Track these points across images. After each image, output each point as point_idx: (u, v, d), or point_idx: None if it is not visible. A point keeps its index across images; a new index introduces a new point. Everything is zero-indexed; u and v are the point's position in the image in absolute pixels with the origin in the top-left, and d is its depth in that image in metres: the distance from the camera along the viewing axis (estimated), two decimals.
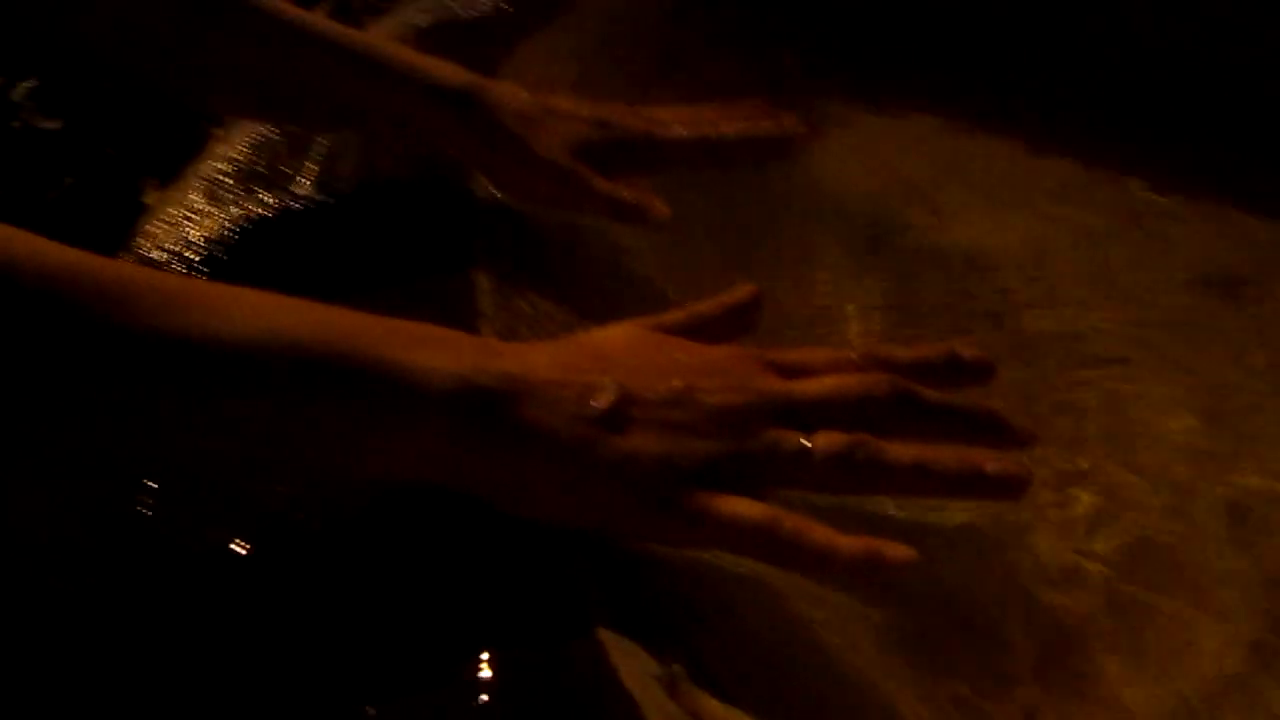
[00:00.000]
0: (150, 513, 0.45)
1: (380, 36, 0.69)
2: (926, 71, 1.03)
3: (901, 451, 0.43)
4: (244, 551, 0.43)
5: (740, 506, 0.40)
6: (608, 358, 0.44)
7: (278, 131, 0.72)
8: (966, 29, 1.06)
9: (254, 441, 0.40)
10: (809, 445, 0.42)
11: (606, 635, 0.37)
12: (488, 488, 0.41)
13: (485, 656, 0.37)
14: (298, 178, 0.69)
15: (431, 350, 0.40)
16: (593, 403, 0.40)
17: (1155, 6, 0.98)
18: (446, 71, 0.64)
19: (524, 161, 0.63)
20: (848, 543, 0.39)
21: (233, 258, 0.63)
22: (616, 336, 0.46)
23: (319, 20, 0.63)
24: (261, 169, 0.70)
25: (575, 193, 0.63)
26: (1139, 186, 0.93)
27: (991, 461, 0.44)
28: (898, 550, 0.39)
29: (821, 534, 0.40)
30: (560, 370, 0.42)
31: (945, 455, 0.44)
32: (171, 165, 1.22)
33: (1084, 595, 0.52)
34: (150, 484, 0.45)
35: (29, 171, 1.06)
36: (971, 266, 0.85)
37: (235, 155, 0.70)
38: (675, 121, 0.70)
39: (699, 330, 0.48)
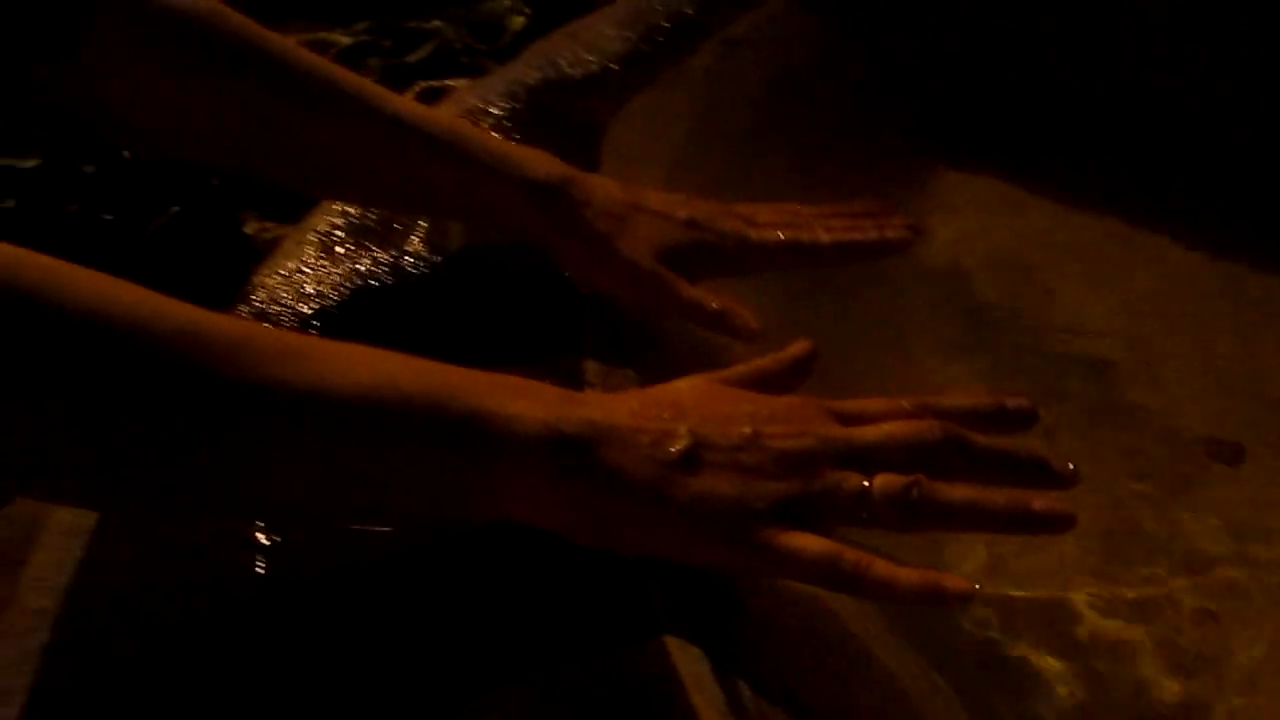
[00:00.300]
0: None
1: (472, 124, 0.68)
2: (1030, 149, 1.03)
3: (954, 491, 0.46)
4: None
5: (806, 542, 0.43)
6: (681, 406, 0.47)
7: None
8: (1073, 108, 1.05)
9: (365, 487, 0.43)
10: (868, 485, 0.45)
11: (672, 641, 0.42)
12: (574, 526, 0.44)
13: (553, 661, 0.41)
14: (410, 235, 0.70)
15: (526, 400, 0.44)
16: (669, 447, 0.44)
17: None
18: (537, 164, 0.63)
19: (607, 263, 0.63)
20: (906, 574, 0.43)
21: (345, 312, 0.64)
22: (688, 388, 0.49)
23: (413, 107, 0.63)
24: (374, 225, 0.71)
25: (658, 299, 0.63)
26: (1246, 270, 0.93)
27: (1039, 500, 0.47)
28: (957, 583, 0.43)
29: (882, 567, 0.43)
30: (638, 417, 0.45)
31: (995, 494, 0.47)
32: (271, 197, 1.25)
33: None
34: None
35: (135, 200, 1.09)
36: (1071, 344, 0.85)
37: (350, 210, 0.71)
38: (772, 223, 0.68)
39: (761, 383, 0.51)
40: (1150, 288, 0.93)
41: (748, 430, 0.45)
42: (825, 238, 0.68)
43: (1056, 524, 0.47)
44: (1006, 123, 1.08)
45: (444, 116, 0.65)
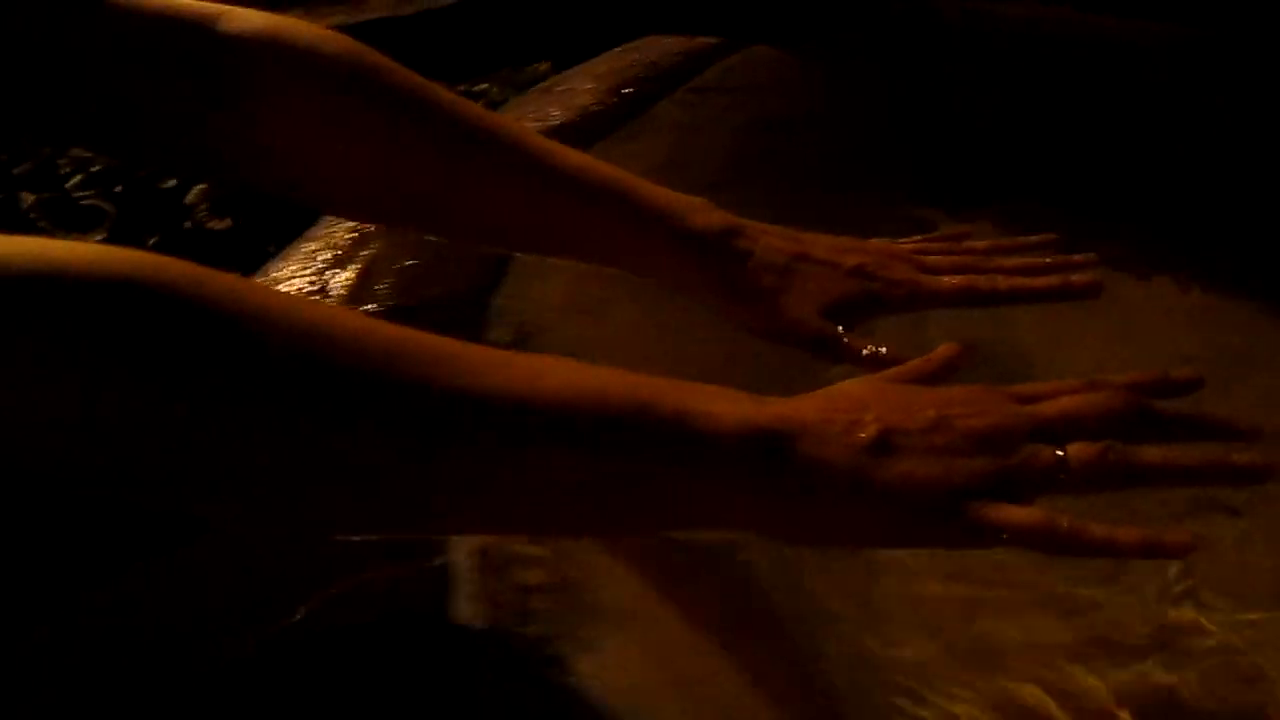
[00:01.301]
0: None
1: (629, 173, 0.65)
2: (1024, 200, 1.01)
3: (1150, 452, 0.46)
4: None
5: (1017, 514, 0.43)
6: (860, 399, 0.47)
7: None
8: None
9: (584, 492, 0.42)
10: (1063, 454, 0.45)
11: None
12: (784, 525, 0.44)
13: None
14: None
15: (723, 401, 0.44)
16: (860, 434, 0.44)
17: None
18: (699, 215, 0.62)
19: (771, 320, 0.61)
20: (1126, 531, 0.43)
21: None
22: (860, 385, 0.49)
23: (576, 156, 0.62)
24: None
25: (824, 354, 0.61)
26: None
27: (1238, 454, 0.47)
28: (1178, 535, 0.43)
29: (1099, 529, 0.43)
30: (824, 411, 0.45)
31: (1192, 451, 0.47)
32: None
33: None
34: None
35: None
36: None
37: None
38: (944, 266, 0.65)
39: (919, 380, 0.52)
40: (1135, 335, 0.89)
41: (932, 414, 0.45)
42: (1003, 285, 0.64)
43: (1258, 474, 0.47)
44: (1002, 175, 1.07)
45: (606, 166, 0.63)
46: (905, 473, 0.43)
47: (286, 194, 0.62)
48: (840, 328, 0.60)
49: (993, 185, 1.04)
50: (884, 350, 0.59)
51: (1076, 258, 0.65)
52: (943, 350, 0.54)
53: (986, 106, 1.19)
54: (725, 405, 0.43)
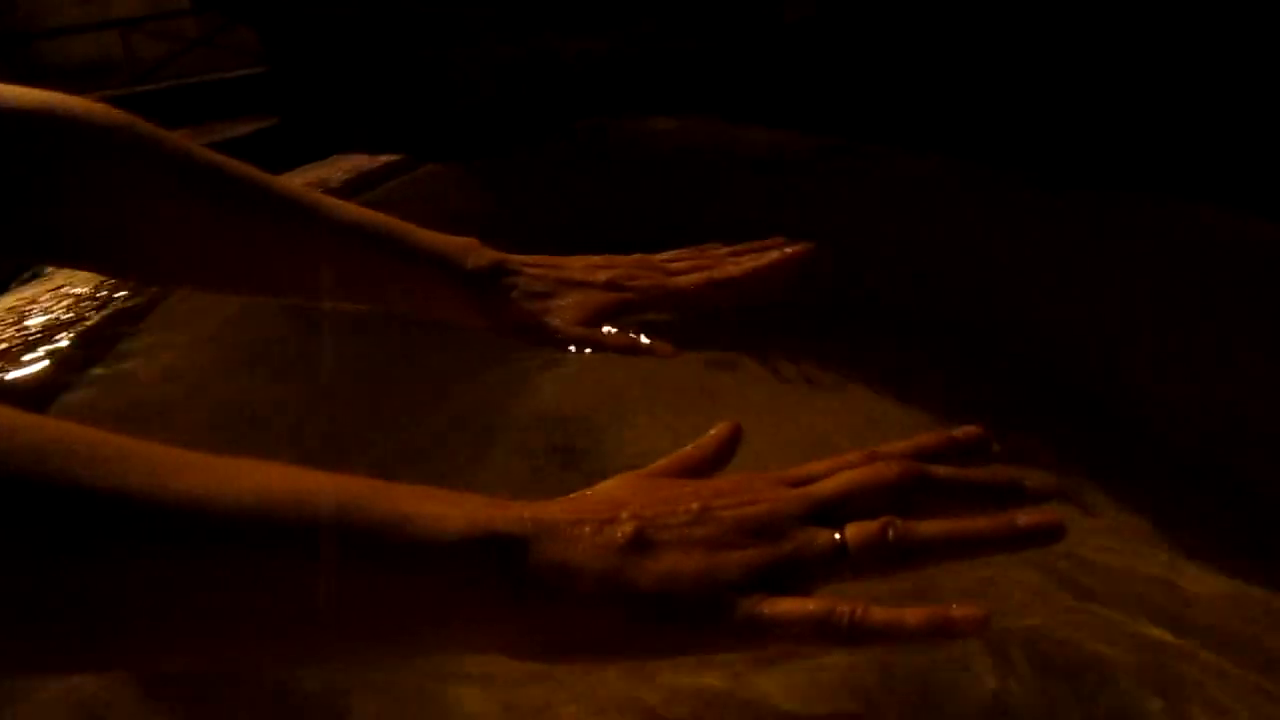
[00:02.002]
0: None
1: (391, 216, 0.69)
2: None
3: (931, 525, 0.43)
4: None
5: (792, 605, 0.39)
6: (615, 498, 0.43)
7: None
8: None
9: (276, 611, 0.36)
10: (840, 537, 0.42)
11: None
12: (527, 637, 0.39)
13: None
14: None
15: (448, 503, 0.39)
16: (615, 533, 0.40)
17: None
18: (470, 255, 0.67)
19: (539, 336, 0.67)
20: (913, 614, 0.39)
21: None
22: (617, 484, 0.46)
23: (349, 207, 0.65)
24: None
25: (590, 350, 0.66)
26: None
27: (1023, 515, 0.44)
28: (968, 612, 0.39)
29: (882, 613, 0.39)
30: (573, 511, 0.41)
31: (975, 520, 0.44)
32: None
33: None
34: None
35: None
36: None
37: None
38: (686, 269, 0.72)
39: (688, 471, 0.49)
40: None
41: (696, 506, 0.42)
42: (735, 270, 0.72)
43: (1047, 535, 0.44)
44: None
45: (381, 215, 0.66)
46: (666, 570, 0.39)
47: (69, 263, 0.62)
48: (604, 329, 0.66)
49: None
50: (639, 344, 0.66)
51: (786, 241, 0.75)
52: (716, 432, 0.51)
53: (648, 210, 1.27)
54: (449, 508, 0.38)
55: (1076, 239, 0.96)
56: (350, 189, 1.31)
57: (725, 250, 0.75)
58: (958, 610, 0.39)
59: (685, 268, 0.72)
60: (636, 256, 0.73)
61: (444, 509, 0.38)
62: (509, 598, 0.38)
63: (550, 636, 0.39)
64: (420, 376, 0.91)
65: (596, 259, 0.72)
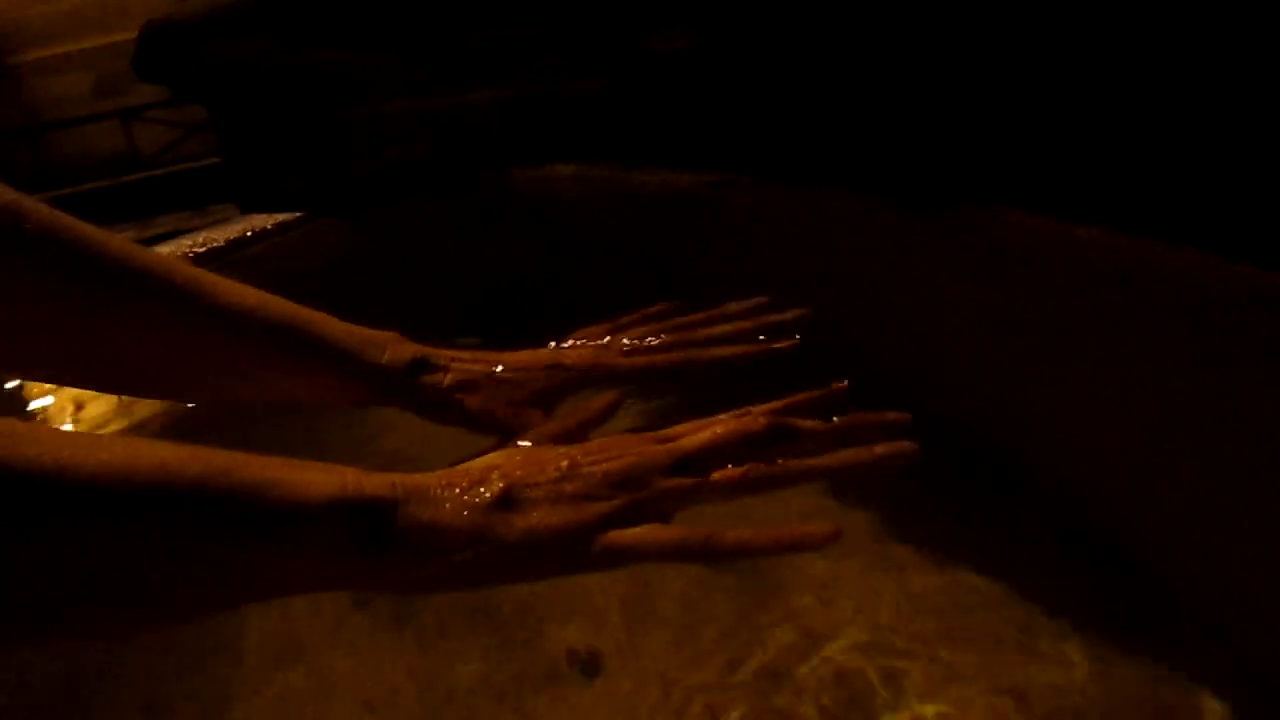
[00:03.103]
0: None
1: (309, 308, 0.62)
2: None
3: (795, 462, 0.47)
4: None
5: (650, 534, 0.43)
6: (489, 463, 0.45)
7: None
8: None
9: (131, 576, 0.36)
10: (703, 480, 0.46)
11: None
12: (389, 587, 0.41)
13: None
14: None
15: (317, 470, 0.40)
16: (484, 492, 0.42)
17: None
18: (389, 350, 0.59)
19: (471, 427, 0.59)
20: (765, 531, 0.44)
21: None
22: (496, 453, 0.48)
23: (243, 291, 0.57)
24: None
25: (501, 433, 0.59)
26: None
27: (879, 446, 0.48)
28: (821, 526, 0.44)
29: (734, 532, 0.43)
30: (447, 477, 0.43)
31: (832, 455, 0.48)
32: None
33: None
34: None
35: None
36: None
37: None
38: (637, 348, 0.65)
39: (567, 437, 0.52)
40: None
41: (564, 463, 0.45)
42: (678, 359, 0.64)
43: (904, 457, 0.48)
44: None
45: (284, 304, 0.59)
46: (533, 522, 0.42)
47: None
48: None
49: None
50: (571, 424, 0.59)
51: (787, 314, 0.67)
52: (586, 405, 0.55)
53: (554, 253, 1.25)
54: (321, 473, 0.40)
55: (940, 257, 0.92)
56: (233, 247, 1.29)
57: (699, 316, 0.67)
58: (811, 525, 0.43)
59: (636, 348, 0.65)
60: (582, 343, 0.66)
61: (314, 476, 0.39)
62: (371, 553, 0.39)
63: (417, 584, 0.41)
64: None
65: (540, 354, 0.64)
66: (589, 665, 0.64)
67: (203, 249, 1.28)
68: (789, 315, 0.67)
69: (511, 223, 1.39)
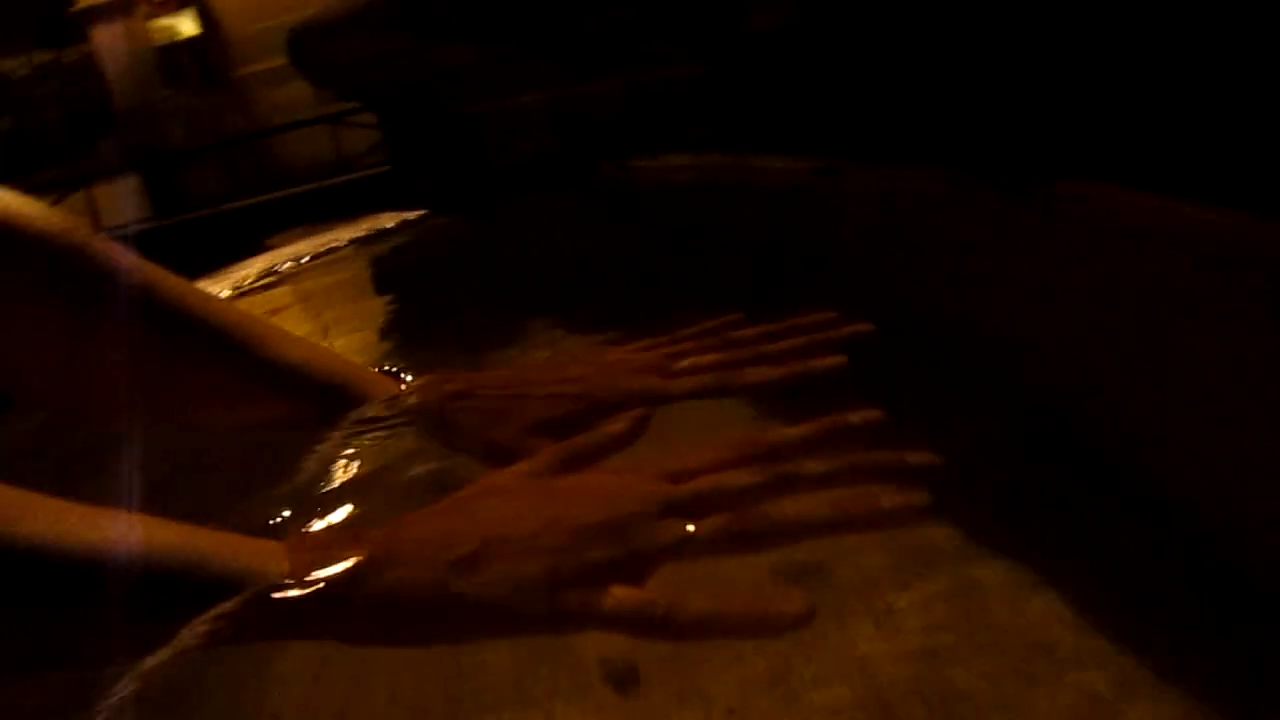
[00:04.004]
0: None
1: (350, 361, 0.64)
2: None
3: (789, 511, 0.44)
4: None
5: (612, 597, 0.41)
6: (470, 513, 0.46)
7: None
8: None
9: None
10: (692, 530, 0.44)
11: None
12: (365, 639, 0.43)
13: None
14: None
15: (265, 555, 0.42)
16: (458, 550, 0.42)
17: None
18: (421, 394, 0.61)
19: (476, 454, 0.60)
20: (729, 607, 0.41)
21: None
22: (482, 491, 0.48)
23: (290, 344, 0.61)
24: None
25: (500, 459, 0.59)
26: None
27: (888, 496, 0.44)
28: (792, 604, 0.40)
29: (699, 604, 0.41)
30: (422, 531, 0.44)
31: (831, 506, 0.45)
32: None
33: None
34: None
35: None
36: None
37: None
38: (685, 367, 0.62)
39: (577, 456, 0.51)
40: None
41: (548, 514, 0.44)
42: (737, 381, 0.61)
43: (908, 513, 0.45)
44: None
45: (327, 357, 0.63)
46: (498, 577, 0.42)
47: None
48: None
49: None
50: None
51: (844, 330, 0.63)
52: (604, 428, 0.54)
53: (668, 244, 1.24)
54: (271, 561, 0.42)
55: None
56: (361, 242, 1.34)
57: (753, 332, 0.64)
58: (782, 601, 0.40)
59: (684, 367, 0.62)
60: (622, 356, 0.65)
61: (267, 560, 0.42)
62: (342, 618, 0.41)
63: (387, 636, 0.43)
64: None
65: (571, 369, 0.63)
66: (624, 677, 0.60)
67: (324, 250, 1.35)
68: (846, 331, 0.63)
69: (629, 212, 1.39)
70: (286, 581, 0.41)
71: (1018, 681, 0.50)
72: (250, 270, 1.34)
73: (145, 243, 0.64)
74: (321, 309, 1.21)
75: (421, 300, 1.19)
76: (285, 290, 1.28)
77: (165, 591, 0.39)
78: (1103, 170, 0.79)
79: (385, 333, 1.09)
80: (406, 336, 1.10)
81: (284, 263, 1.34)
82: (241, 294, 1.27)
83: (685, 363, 0.62)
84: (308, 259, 1.38)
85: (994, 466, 0.64)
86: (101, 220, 7.58)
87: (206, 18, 8.26)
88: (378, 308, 1.18)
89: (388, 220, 1.48)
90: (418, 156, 1.77)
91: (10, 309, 0.53)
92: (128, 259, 0.56)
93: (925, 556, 0.58)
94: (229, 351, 0.58)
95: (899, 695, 0.50)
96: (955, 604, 0.57)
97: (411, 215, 1.46)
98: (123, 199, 7.77)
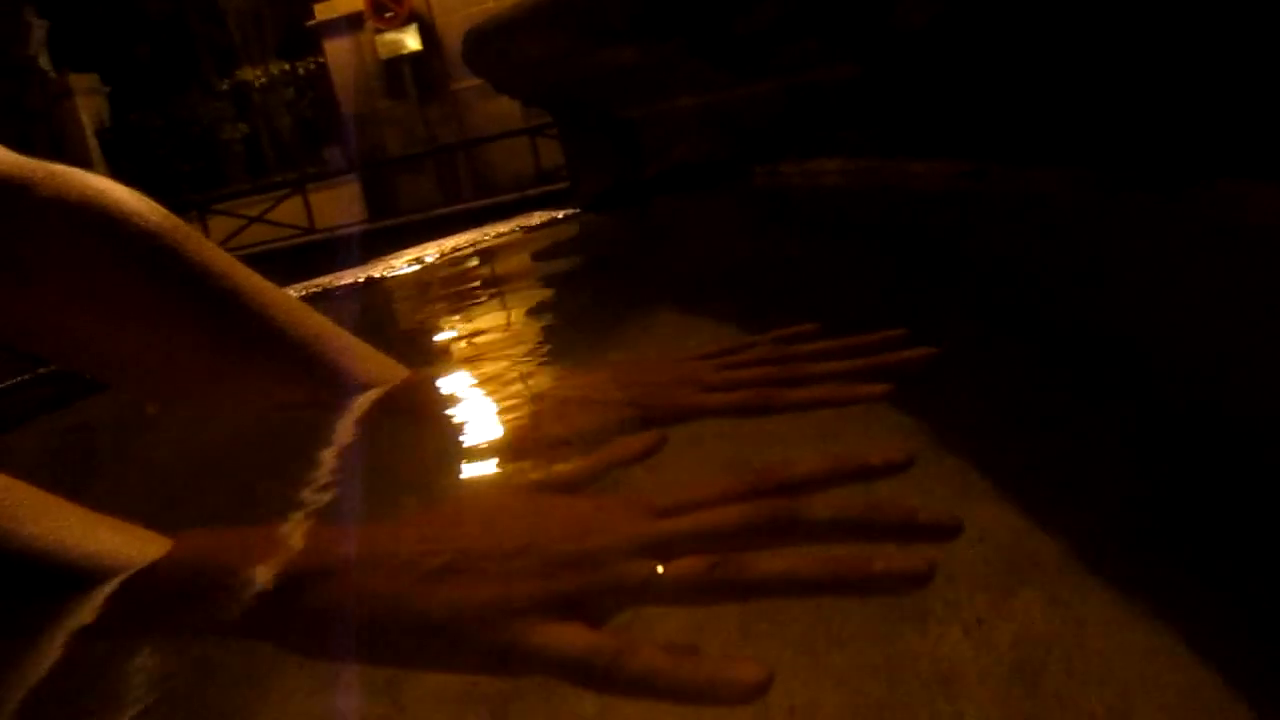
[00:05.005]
0: None
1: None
2: None
3: (770, 564, 0.40)
4: None
5: (563, 637, 0.38)
6: (455, 522, 0.45)
7: None
8: None
9: None
10: (661, 571, 0.41)
11: None
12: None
13: None
14: None
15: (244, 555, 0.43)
16: (430, 561, 0.41)
17: None
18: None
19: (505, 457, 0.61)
20: (682, 669, 0.37)
21: None
22: (477, 500, 0.50)
23: (354, 349, 0.64)
24: None
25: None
26: None
27: (881, 560, 0.39)
28: (748, 670, 0.36)
29: (645, 657, 0.37)
30: (400, 537, 0.44)
31: (824, 559, 0.41)
32: None
33: None
34: None
35: None
36: None
37: None
38: (722, 382, 0.62)
39: (587, 480, 0.50)
40: None
41: (525, 539, 0.42)
42: (777, 402, 0.60)
43: (901, 581, 0.40)
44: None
45: (387, 365, 0.66)
46: (458, 596, 0.40)
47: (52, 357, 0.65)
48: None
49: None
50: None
51: (900, 356, 0.60)
52: (625, 443, 0.52)
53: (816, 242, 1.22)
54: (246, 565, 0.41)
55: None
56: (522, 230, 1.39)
57: (809, 348, 0.62)
58: (738, 667, 0.36)
59: (720, 383, 0.62)
60: (668, 367, 0.64)
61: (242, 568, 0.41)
62: (295, 618, 0.40)
63: (313, 648, 0.41)
64: None
65: (618, 375, 0.64)
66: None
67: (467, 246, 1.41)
68: (897, 358, 0.59)
69: (778, 213, 1.37)
70: (159, 569, 0.41)
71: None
72: (399, 260, 1.41)
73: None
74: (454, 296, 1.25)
75: (560, 286, 1.22)
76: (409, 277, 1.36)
77: (20, 572, 0.39)
78: (1258, 169, 0.72)
79: (515, 318, 1.10)
80: (534, 318, 1.11)
81: (429, 254, 1.39)
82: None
83: (721, 377, 0.60)
84: (446, 253, 1.42)
85: (1118, 478, 0.59)
86: (317, 221, 8.15)
87: (428, 34, 8.68)
88: (512, 295, 1.21)
89: (537, 218, 1.51)
90: (583, 159, 1.80)
91: (112, 294, 0.57)
92: (218, 254, 0.60)
93: (1026, 567, 0.53)
94: (264, 337, 0.60)
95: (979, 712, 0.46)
96: (1053, 623, 0.53)
97: (560, 214, 1.49)
98: (342, 202, 8.29)
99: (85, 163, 8.75)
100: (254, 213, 8.30)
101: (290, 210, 8.32)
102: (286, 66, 10.20)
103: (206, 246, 0.60)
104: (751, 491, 0.44)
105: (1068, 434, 0.66)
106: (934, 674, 0.52)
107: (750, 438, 0.64)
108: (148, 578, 0.41)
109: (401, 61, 8.80)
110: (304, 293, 1.28)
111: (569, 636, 0.38)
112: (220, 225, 7.97)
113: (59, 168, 0.57)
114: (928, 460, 0.64)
